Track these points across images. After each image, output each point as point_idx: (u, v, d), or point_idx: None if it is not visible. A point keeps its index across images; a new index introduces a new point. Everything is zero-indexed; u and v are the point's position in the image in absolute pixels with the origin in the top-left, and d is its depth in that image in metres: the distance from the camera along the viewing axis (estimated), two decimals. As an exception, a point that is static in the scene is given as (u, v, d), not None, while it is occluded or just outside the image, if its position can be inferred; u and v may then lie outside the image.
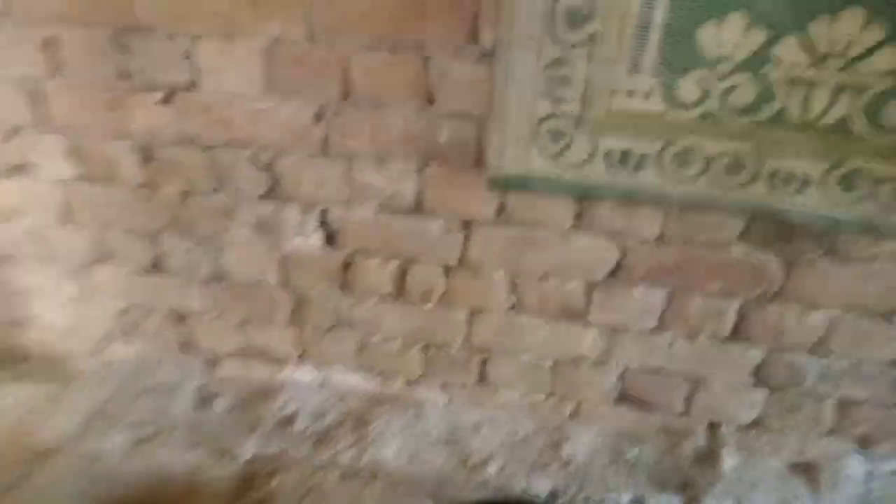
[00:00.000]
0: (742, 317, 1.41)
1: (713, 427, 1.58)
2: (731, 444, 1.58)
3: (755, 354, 1.45)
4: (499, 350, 1.58)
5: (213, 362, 1.78)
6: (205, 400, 1.74)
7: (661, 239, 1.34)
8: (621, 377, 1.56)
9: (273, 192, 1.46)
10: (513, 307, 1.51)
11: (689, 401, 1.55)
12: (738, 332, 1.43)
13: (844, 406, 1.48)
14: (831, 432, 1.52)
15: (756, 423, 1.55)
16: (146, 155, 1.47)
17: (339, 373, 1.72)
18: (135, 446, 1.66)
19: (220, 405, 1.73)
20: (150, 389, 1.77)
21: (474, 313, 1.54)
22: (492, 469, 1.57)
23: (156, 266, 1.63)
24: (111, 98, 1.40)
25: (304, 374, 1.74)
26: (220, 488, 1.63)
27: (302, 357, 1.72)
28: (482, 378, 1.64)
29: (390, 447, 1.61)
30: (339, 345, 1.66)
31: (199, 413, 1.72)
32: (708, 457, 1.59)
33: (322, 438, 1.65)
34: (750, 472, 1.56)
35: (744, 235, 1.31)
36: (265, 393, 1.76)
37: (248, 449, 1.65)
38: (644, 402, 1.58)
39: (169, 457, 1.66)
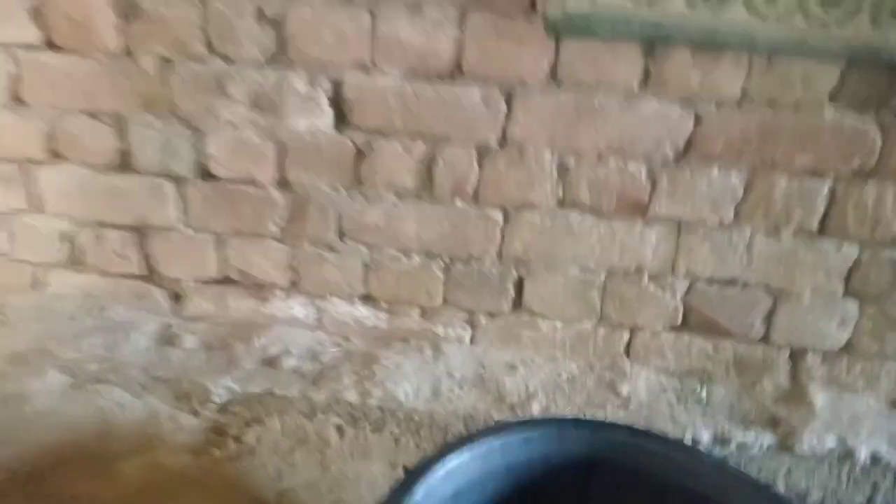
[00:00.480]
0: (833, 202, 1.19)
1: (796, 357, 1.32)
2: (819, 377, 1.32)
3: (848, 252, 1.23)
4: (540, 263, 1.31)
5: (180, 297, 1.45)
6: (168, 340, 1.40)
7: (743, 100, 1.14)
8: (688, 294, 1.30)
9: (278, 56, 1.22)
10: (561, 202, 1.26)
11: (768, 322, 1.30)
12: (827, 225, 1.21)
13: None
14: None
15: (847, 349, 1.30)
16: (128, 10, 1.22)
17: (340, 306, 1.41)
18: (75, 388, 1.30)
19: (187, 344, 1.39)
20: (99, 328, 1.42)
21: (513, 211, 1.28)
22: (535, 408, 1.26)
23: (122, 163, 1.34)
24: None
25: (296, 308, 1.42)
26: (183, 439, 1.27)
27: (295, 286, 1.41)
28: (517, 304, 1.36)
29: (404, 386, 1.29)
30: (341, 267, 1.37)
31: (161, 353, 1.37)
32: (793, 394, 1.32)
33: (316, 380, 1.32)
34: (847, 409, 1.29)
35: (838, 93, 1.12)
36: (246, 331, 1.42)
37: (222, 392, 1.30)
38: (715, 325, 1.31)
39: (119, 400, 1.29)
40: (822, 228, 1.22)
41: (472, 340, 1.41)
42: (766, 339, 1.31)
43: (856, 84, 1.12)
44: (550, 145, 1.22)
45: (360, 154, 1.27)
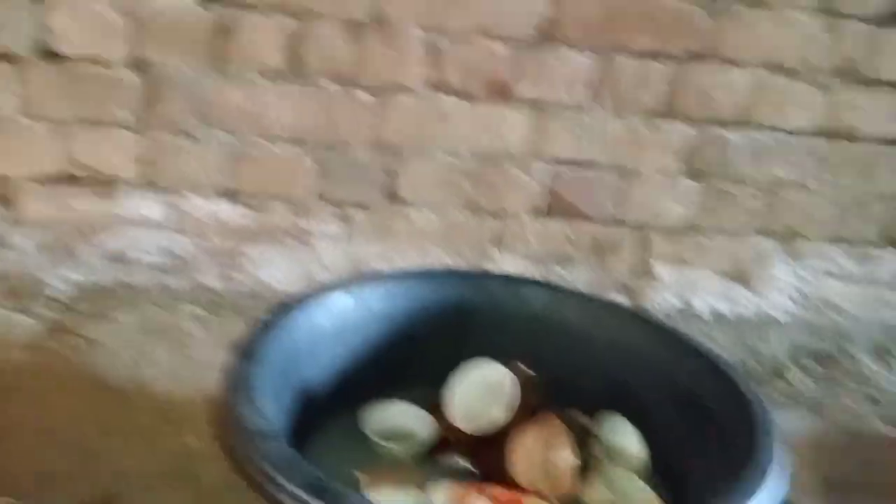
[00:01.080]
0: (672, 85, 1.33)
1: (644, 234, 1.44)
2: (663, 253, 1.44)
3: (686, 132, 1.37)
4: (413, 150, 1.33)
5: (11, 198, 1.28)
6: (-3, 242, 1.23)
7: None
8: (550, 179, 1.38)
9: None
10: (432, 84, 1.29)
11: (619, 203, 1.41)
12: (668, 108, 1.35)
13: (772, 194, 1.43)
14: (760, 231, 1.45)
15: (687, 228, 1.44)
16: None
17: (199, 203, 1.32)
18: None
19: (20, 245, 1.23)
20: None
21: (385, 94, 1.29)
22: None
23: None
24: None
25: (149, 207, 1.31)
26: (18, 338, 1.12)
27: (147, 182, 1.30)
28: (391, 195, 1.36)
29: (273, 273, 1.23)
30: (201, 157, 1.29)
31: (-12, 254, 1.20)
32: (642, 269, 1.43)
33: (172, 270, 1.22)
34: (686, 277, 1.43)
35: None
36: (87, 230, 1.28)
37: (61, 286, 1.17)
38: (575, 209, 1.40)
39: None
40: (664, 112, 1.35)
41: (347, 237, 1.38)
42: (617, 219, 1.42)
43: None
44: (421, 24, 1.25)
45: (223, 30, 1.22)
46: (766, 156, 1.40)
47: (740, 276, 1.47)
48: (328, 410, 0.90)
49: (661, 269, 1.42)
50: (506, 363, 0.88)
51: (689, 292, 1.43)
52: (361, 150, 1.32)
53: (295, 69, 1.25)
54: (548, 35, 1.28)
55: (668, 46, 1.31)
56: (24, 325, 1.14)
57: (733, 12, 1.29)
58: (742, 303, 1.47)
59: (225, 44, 1.23)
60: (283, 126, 1.29)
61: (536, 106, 1.32)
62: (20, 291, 1.15)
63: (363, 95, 1.29)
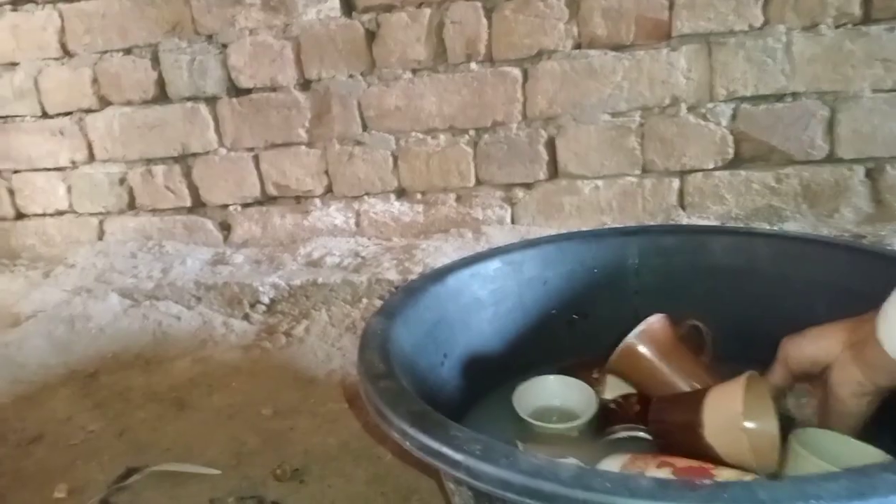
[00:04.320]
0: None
1: (873, 172, 1.18)
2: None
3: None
4: (568, 116, 1.26)
5: (229, 225, 1.48)
6: (219, 261, 1.43)
7: None
8: (734, 120, 1.20)
9: (283, -46, 1.28)
10: (577, 42, 1.22)
11: (830, 135, 1.17)
12: (871, 5, 1.10)
13: None
14: None
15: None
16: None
17: (376, 205, 1.40)
18: (133, 307, 1.34)
19: (236, 261, 1.41)
20: (157, 260, 1.47)
21: (530, 65, 1.24)
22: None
23: (158, 95, 1.42)
24: None
25: (335, 216, 1.42)
26: (235, 339, 1.27)
27: (330, 192, 1.41)
28: (553, 170, 1.30)
29: (445, 261, 1.24)
30: (371, 160, 1.37)
31: (212, 270, 1.40)
32: (879, 215, 1.17)
33: (357, 268, 1.30)
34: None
35: None
36: (288, 243, 1.43)
37: (268, 290, 1.31)
38: (772, 150, 1.19)
39: (174, 313, 1.32)
40: (867, 12, 1.11)
41: (512, 220, 1.35)
42: (832, 156, 1.19)
43: None
44: (555, -18, 1.19)
45: (370, 35, 1.29)
46: None
47: None
48: (493, 381, 0.87)
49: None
50: (678, 321, 0.76)
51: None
52: (516, 125, 1.29)
53: (440, 58, 1.27)
54: (702, -43, 1.13)
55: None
56: (239, 328, 1.29)
57: None
58: None
59: (373, 47, 1.29)
60: (439, 117, 1.31)
61: (702, 38, 1.17)
62: (236, 299, 1.32)
63: (510, 70, 1.26)
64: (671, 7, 1.16)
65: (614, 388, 0.76)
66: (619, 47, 1.20)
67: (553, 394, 0.78)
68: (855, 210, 1.19)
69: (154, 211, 1.51)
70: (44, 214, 1.56)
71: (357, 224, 1.42)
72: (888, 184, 1.18)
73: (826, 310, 0.66)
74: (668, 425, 0.65)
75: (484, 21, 1.23)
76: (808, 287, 0.80)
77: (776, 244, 0.86)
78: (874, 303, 0.52)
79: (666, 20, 1.17)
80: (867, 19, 1.11)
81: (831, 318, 0.61)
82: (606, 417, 0.73)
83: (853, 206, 1.19)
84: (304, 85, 1.34)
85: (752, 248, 0.87)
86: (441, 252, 1.29)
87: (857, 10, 1.11)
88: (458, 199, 1.36)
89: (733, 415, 0.58)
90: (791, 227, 1.20)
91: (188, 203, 1.48)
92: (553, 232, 1.31)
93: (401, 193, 1.38)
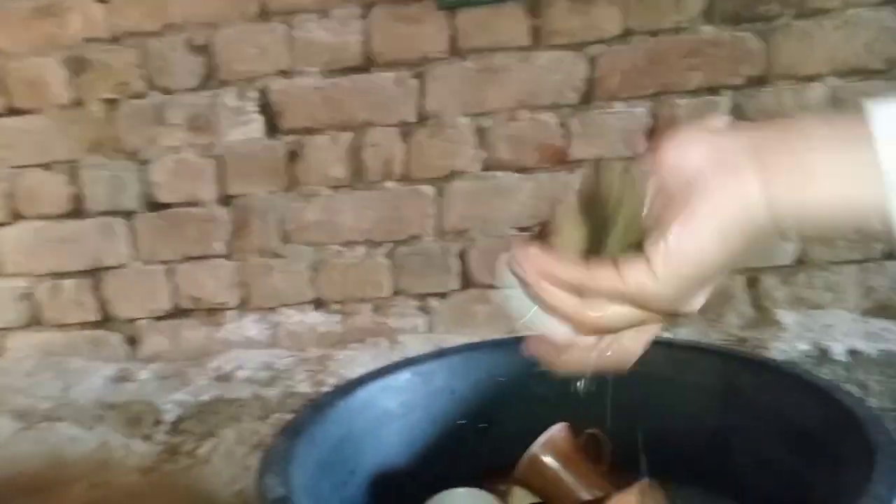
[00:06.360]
0: (737, 109, 1.25)
1: (753, 281, 1.29)
2: (781, 297, 1.27)
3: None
4: (480, 229, 1.33)
5: (135, 340, 1.44)
6: (123, 377, 1.37)
7: (626, 35, 1.25)
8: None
9: (208, 79, 1.34)
10: (485, 164, 1.32)
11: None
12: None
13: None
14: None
15: (800, 264, 1.27)
16: (76, 65, 1.37)
17: (293, 316, 1.40)
18: (26, 429, 1.26)
19: (141, 377, 1.36)
20: (56, 378, 1.40)
21: (443, 183, 1.33)
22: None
23: (74, 210, 1.41)
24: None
25: (249, 327, 1.41)
26: (134, 461, 1.21)
27: (245, 304, 1.41)
28: (466, 279, 1.36)
29: (359, 372, 1.24)
30: (289, 272, 1.39)
31: (114, 388, 1.34)
32: (760, 319, 1.27)
33: (269, 382, 1.28)
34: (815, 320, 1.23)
35: (708, 13, 1.23)
36: (199, 356, 1.39)
37: (172, 408, 1.26)
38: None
39: (71, 434, 1.25)
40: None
41: (429, 328, 1.38)
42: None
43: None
44: (464, 111, 1.30)
45: (292, 155, 1.35)
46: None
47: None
48: (401, 495, 0.86)
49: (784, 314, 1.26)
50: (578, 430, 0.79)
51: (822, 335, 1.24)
52: (431, 240, 1.35)
53: (358, 176, 1.34)
54: (593, 94, 1.27)
55: (723, 78, 1.24)
56: (140, 450, 1.23)
57: (783, 27, 1.22)
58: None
59: (295, 167, 1.35)
60: (357, 230, 1.36)
61: (595, 163, 1.29)
62: (138, 418, 1.26)
63: (423, 188, 1.33)
64: (567, 137, 1.29)
65: (521, 499, 0.77)
66: (522, 169, 1.30)
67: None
68: (738, 314, 1.29)
69: (60, 326, 1.45)
70: (-63, 330, 1.47)
71: (272, 335, 1.41)
72: (765, 288, 1.29)
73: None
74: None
75: (401, 144, 1.32)
76: (697, 392, 0.85)
77: (667, 351, 0.93)
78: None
79: (564, 146, 1.29)
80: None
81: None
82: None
83: (738, 311, 1.29)
84: (225, 200, 1.38)
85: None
86: (356, 362, 1.30)
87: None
88: (376, 308, 1.38)
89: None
90: (683, 332, 1.28)
91: (96, 317, 1.44)
92: (466, 340, 1.35)
93: (318, 304, 1.40)
